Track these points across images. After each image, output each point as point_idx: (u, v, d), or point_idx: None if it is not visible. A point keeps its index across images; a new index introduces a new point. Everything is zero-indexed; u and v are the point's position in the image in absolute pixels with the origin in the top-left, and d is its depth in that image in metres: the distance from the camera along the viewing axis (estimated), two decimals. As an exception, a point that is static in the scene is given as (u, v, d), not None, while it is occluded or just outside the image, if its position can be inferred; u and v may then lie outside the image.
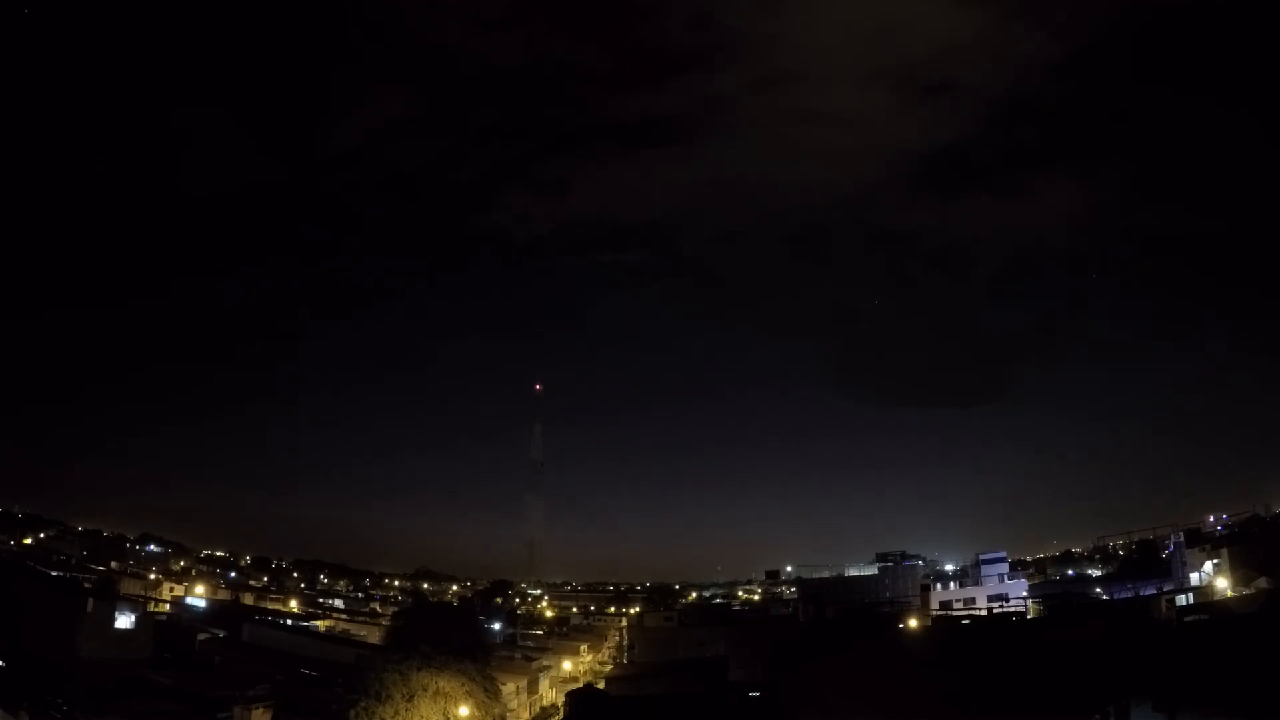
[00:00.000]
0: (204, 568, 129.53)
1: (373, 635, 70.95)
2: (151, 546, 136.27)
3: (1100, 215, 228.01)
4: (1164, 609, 52.84)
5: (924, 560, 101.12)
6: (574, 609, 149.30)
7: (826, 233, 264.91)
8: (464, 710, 44.57)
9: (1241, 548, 59.08)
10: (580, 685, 71.01)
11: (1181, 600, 55.43)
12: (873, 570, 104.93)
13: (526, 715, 67.54)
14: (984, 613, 65.94)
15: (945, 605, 72.17)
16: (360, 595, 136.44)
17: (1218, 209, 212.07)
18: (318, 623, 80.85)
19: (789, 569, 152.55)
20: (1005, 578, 76.35)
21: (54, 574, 72.21)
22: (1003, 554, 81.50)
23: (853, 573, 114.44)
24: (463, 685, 45.18)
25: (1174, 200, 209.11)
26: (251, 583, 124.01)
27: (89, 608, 45.97)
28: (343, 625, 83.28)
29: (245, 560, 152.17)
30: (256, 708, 39.26)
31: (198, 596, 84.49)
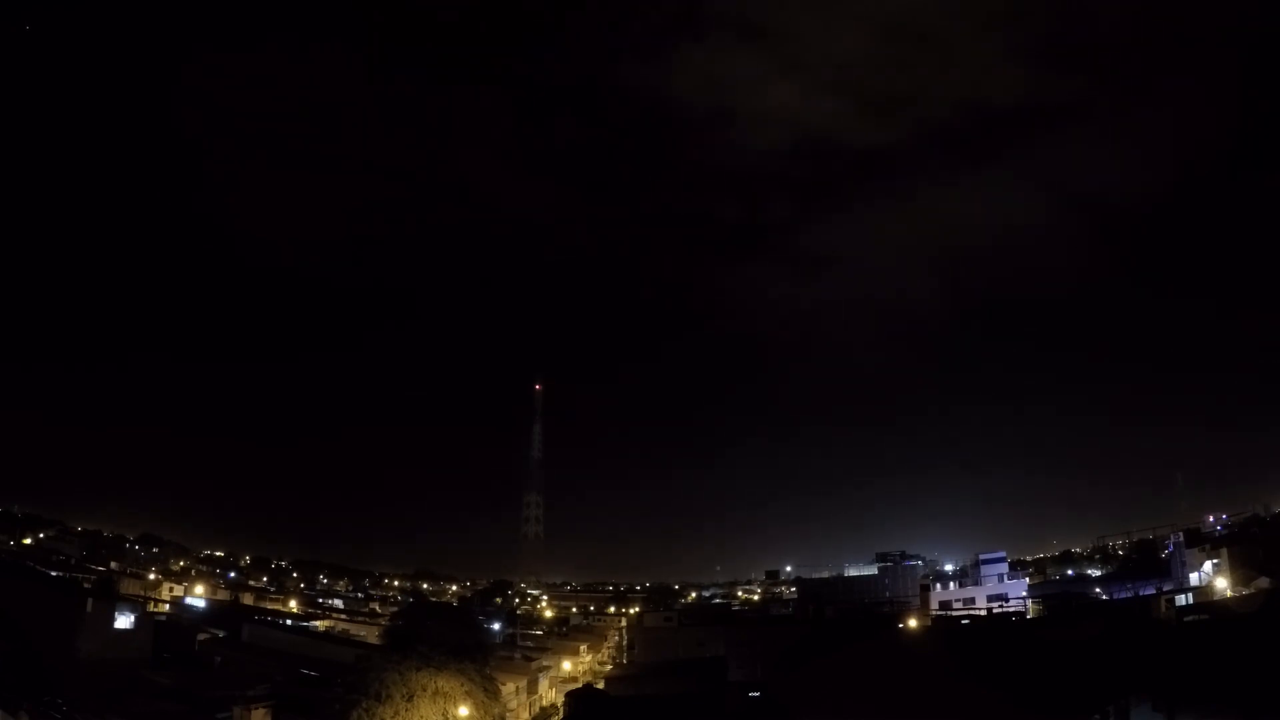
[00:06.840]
0: (204, 568, 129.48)
1: (372, 635, 70.69)
2: (152, 547, 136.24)
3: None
4: (1163, 609, 52.87)
5: (924, 560, 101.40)
6: (574, 609, 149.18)
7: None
8: (463, 710, 44.51)
9: (1241, 548, 59.17)
10: (580, 685, 71.07)
11: (1181, 600, 55.47)
12: (872, 570, 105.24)
13: (526, 715, 67.48)
14: (983, 613, 65.96)
15: (945, 605, 72.24)
16: (360, 595, 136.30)
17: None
18: (317, 623, 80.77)
19: (789, 569, 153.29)
20: (1005, 578, 76.38)
21: (54, 574, 71.99)
22: (1002, 554, 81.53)
23: (853, 573, 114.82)
24: (462, 685, 45.12)
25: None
26: (251, 583, 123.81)
27: (89, 608, 45.68)
28: (342, 625, 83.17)
29: (245, 560, 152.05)
30: (256, 708, 39.20)
31: (197, 596, 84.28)
